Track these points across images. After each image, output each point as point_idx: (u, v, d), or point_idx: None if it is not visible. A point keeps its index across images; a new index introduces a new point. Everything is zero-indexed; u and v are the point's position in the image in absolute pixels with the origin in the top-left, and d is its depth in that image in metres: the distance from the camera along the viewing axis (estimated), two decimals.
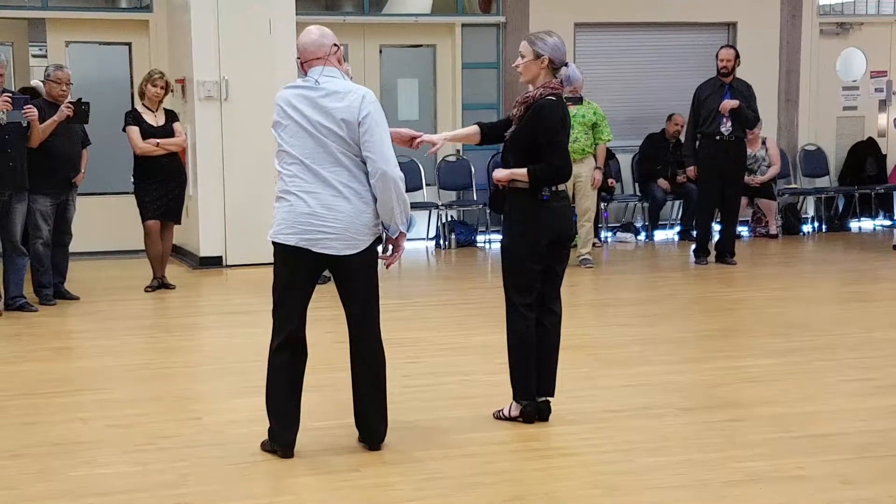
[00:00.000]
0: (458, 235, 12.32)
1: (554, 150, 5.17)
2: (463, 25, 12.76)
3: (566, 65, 5.24)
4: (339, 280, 4.86)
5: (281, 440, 4.83)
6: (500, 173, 5.30)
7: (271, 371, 4.83)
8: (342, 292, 4.88)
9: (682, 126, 12.63)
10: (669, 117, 12.75)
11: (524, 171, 5.17)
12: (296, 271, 4.79)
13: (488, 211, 12.47)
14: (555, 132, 5.19)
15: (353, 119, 4.69)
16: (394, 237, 4.87)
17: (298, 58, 4.90)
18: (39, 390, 6.14)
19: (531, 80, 5.28)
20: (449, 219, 12.51)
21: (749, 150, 12.12)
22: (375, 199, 4.74)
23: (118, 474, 4.66)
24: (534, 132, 5.18)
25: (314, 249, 4.71)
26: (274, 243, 4.78)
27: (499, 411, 5.37)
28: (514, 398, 5.32)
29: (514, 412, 5.32)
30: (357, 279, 4.83)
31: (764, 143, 12.68)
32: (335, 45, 4.88)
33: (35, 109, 8.28)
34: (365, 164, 4.72)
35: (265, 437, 4.94)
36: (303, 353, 4.87)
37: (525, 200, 5.23)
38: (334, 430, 5.14)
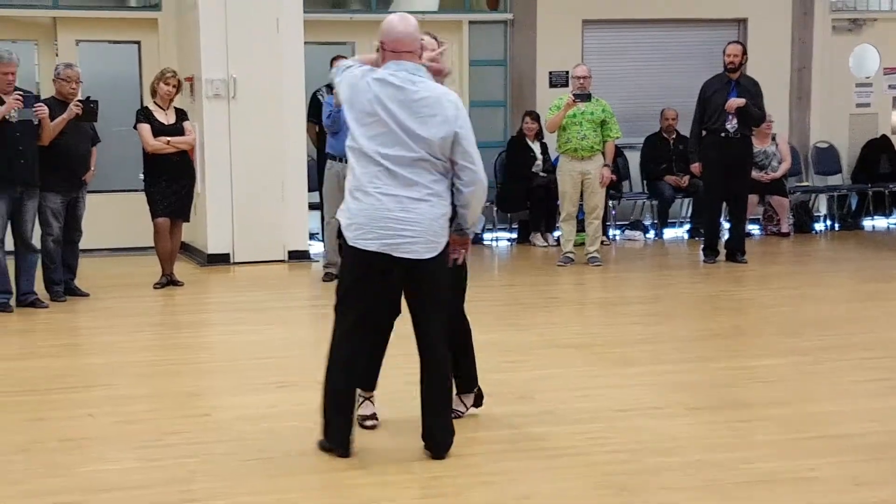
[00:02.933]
0: None
1: None
2: (470, 23, 12.74)
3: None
4: (415, 284, 4.76)
5: (337, 439, 4.79)
6: None
7: (328, 374, 4.80)
8: (416, 297, 4.79)
9: (673, 120, 12.62)
10: (661, 113, 12.74)
11: None
12: (368, 274, 4.71)
13: (495, 209, 12.47)
14: None
15: (450, 130, 4.62)
16: (469, 237, 4.90)
17: (383, 44, 4.73)
18: (49, 386, 6.15)
19: None
20: None
21: (759, 146, 12.13)
22: (451, 202, 4.72)
23: (126, 470, 4.66)
24: None
25: (395, 254, 4.62)
26: (351, 247, 4.67)
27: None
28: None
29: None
30: (435, 282, 4.76)
31: (774, 139, 12.65)
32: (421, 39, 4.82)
33: (45, 108, 8.30)
34: (446, 167, 4.67)
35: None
36: (364, 349, 4.86)
37: None
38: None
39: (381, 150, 4.61)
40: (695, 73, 11.93)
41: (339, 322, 4.79)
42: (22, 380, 6.31)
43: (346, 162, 4.85)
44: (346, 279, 4.81)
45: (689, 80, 11.80)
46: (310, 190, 10.95)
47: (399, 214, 4.59)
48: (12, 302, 8.38)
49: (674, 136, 12.73)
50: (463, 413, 5.29)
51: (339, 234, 4.91)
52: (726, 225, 11.22)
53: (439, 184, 4.69)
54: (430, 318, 4.78)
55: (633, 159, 12.97)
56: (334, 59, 10.96)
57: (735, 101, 10.32)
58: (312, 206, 11.06)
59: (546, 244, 12.01)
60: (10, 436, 5.16)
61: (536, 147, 12.26)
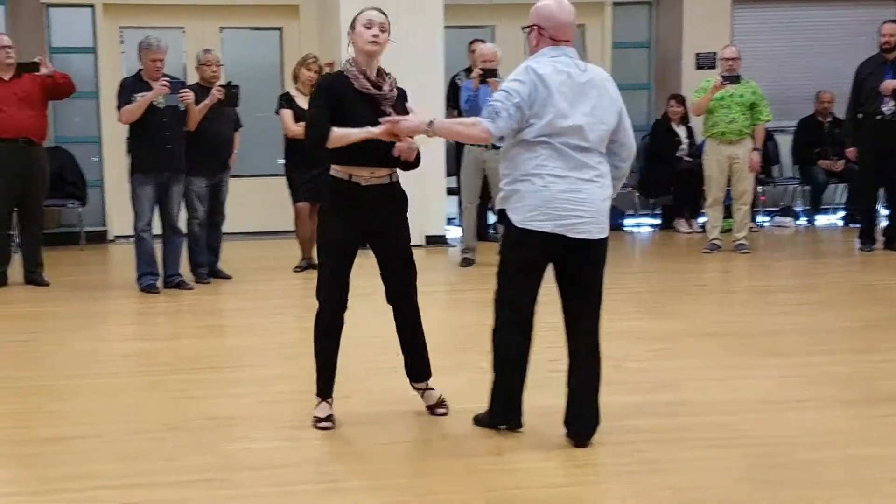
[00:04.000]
0: None
1: None
2: (614, 4, 12.53)
3: None
4: (578, 267, 4.71)
5: (506, 417, 4.85)
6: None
7: (501, 354, 4.79)
8: (579, 279, 4.73)
9: (829, 102, 12.21)
10: (816, 96, 12.32)
11: None
12: (539, 257, 4.69)
13: (637, 194, 12.27)
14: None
15: (616, 111, 4.73)
16: None
17: (540, 29, 4.77)
18: (195, 366, 6.27)
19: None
20: None
21: None
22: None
23: (269, 449, 4.71)
24: None
25: (569, 234, 4.60)
26: (522, 230, 4.63)
27: None
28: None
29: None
30: (600, 263, 4.75)
31: None
32: None
33: (191, 93, 8.45)
34: (606, 148, 4.73)
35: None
36: (530, 334, 4.82)
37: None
38: (475, 413, 5.07)
39: (554, 134, 4.59)
40: (852, 53, 11.47)
41: (513, 306, 4.75)
42: (169, 359, 6.45)
43: (487, 148, 4.83)
44: (512, 264, 4.75)
45: (846, 62, 11.38)
46: (448, 175, 10.94)
47: (571, 196, 4.58)
48: (159, 283, 8.60)
49: (829, 120, 12.32)
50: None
51: (499, 221, 4.85)
52: (885, 212, 10.78)
53: (603, 164, 4.71)
54: (590, 302, 4.75)
55: (784, 143, 12.61)
56: (472, 42, 10.94)
57: (890, 83, 9.94)
58: (450, 192, 11.07)
59: (690, 230, 11.77)
60: (160, 413, 5.27)
61: (681, 131, 12.01)
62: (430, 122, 4.73)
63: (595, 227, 4.63)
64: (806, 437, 4.82)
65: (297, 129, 9.18)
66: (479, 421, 4.98)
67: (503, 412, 4.88)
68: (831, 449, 4.67)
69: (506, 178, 4.75)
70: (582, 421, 4.73)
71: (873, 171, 10.24)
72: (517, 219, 4.64)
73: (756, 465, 4.47)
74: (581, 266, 4.71)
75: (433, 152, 10.68)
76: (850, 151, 10.64)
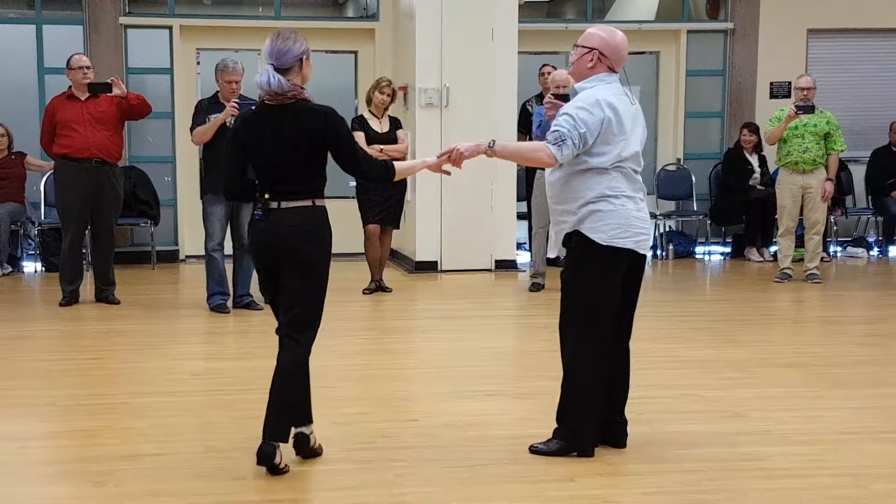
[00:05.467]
0: (676, 246, 12.05)
1: None
2: (689, 32, 12.48)
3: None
4: (634, 281, 4.96)
5: (587, 442, 4.87)
6: None
7: (591, 377, 4.82)
8: (630, 293, 4.96)
9: None
10: (890, 126, 12.15)
11: None
12: (618, 275, 4.85)
13: (708, 222, 12.17)
14: None
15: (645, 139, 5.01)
16: None
17: (602, 55, 4.84)
18: (265, 386, 6.24)
19: None
20: (667, 229, 12.26)
21: None
22: None
23: (341, 471, 4.72)
24: None
25: (640, 251, 4.87)
26: (606, 247, 4.77)
27: None
28: None
29: None
30: (642, 277, 5.05)
31: None
32: None
33: None
34: None
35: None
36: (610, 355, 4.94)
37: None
38: (548, 438, 5.04)
39: (623, 155, 4.80)
40: None
41: (600, 328, 4.82)
42: (240, 379, 6.50)
43: None
44: (595, 283, 4.81)
45: None
46: (518, 200, 10.94)
47: (640, 214, 4.85)
48: (229, 303, 8.67)
49: None
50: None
51: (569, 244, 4.90)
52: None
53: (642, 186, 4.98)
54: (632, 313, 5.03)
55: (858, 173, 12.44)
56: (542, 67, 10.95)
57: None
58: (520, 216, 11.06)
59: (762, 259, 11.64)
60: (230, 433, 5.30)
61: (754, 160, 11.91)
62: (491, 144, 4.87)
63: (650, 244, 4.95)
64: (882, 469, 4.73)
65: (370, 152, 9.23)
66: (543, 450, 4.92)
67: (585, 438, 4.87)
68: None
69: (575, 201, 4.81)
70: (621, 424, 4.97)
71: None
72: (602, 237, 4.75)
73: (830, 497, 4.40)
74: (636, 280, 4.96)
75: (504, 178, 10.71)
76: None
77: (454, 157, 4.93)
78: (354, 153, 4.76)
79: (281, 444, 4.60)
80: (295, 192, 4.65)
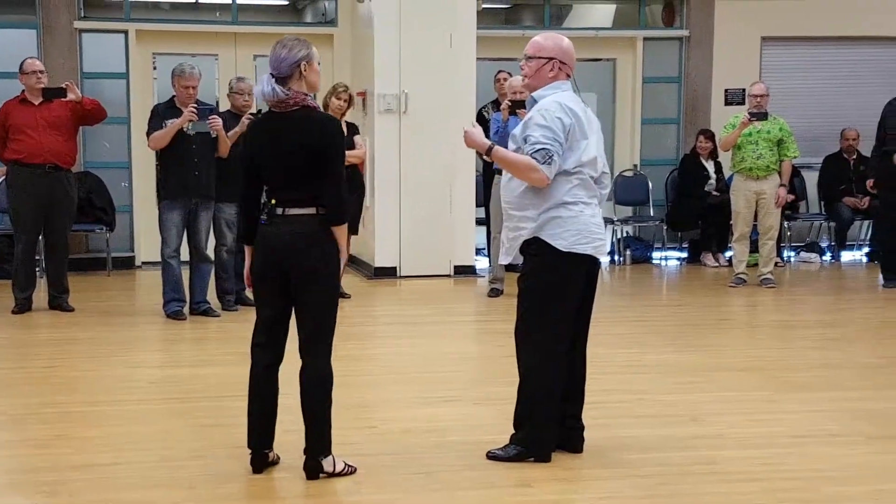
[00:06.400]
0: (633, 251, 12.12)
1: None
2: (645, 39, 12.56)
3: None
4: (592, 286, 5.01)
5: (544, 448, 4.89)
6: None
7: (548, 382, 4.85)
8: (588, 299, 5.00)
9: (854, 140, 12.22)
10: (842, 133, 12.32)
11: None
12: (579, 281, 4.88)
13: (665, 227, 12.26)
14: None
15: (602, 143, 5.04)
16: None
17: (563, 63, 4.91)
18: (222, 393, 6.27)
19: None
20: (625, 234, 12.33)
21: None
22: None
23: (297, 479, 4.70)
24: None
25: (599, 256, 4.93)
26: (567, 253, 4.80)
27: None
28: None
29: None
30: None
31: None
32: None
33: (219, 120, 8.44)
34: None
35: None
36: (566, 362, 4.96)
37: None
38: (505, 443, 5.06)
39: (583, 162, 4.85)
40: (878, 92, 11.51)
41: (558, 333, 4.86)
42: (196, 387, 6.46)
43: None
44: (554, 290, 4.85)
45: (872, 100, 11.41)
46: (477, 205, 10.97)
47: (594, 220, 4.89)
48: (186, 310, 8.62)
49: (854, 157, 12.29)
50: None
51: (528, 251, 4.91)
52: None
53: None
54: (588, 320, 5.05)
55: (811, 179, 12.57)
56: (498, 73, 10.99)
57: None
58: (479, 222, 11.08)
59: (717, 264, 11.74)
60: (186, 442, 5.28)
61: (710, 166, 12.00)
62: (490, 147, 4.91)
63: (607, 249, 4.96)
64: (834, 472, 4.79)
65: None
66: (500, 456, 4.93)
67: (543, 443, 4.89)
68: (860, 484, 4.65)
69: (536, 207, 4.82)
70: (578, 429, 5.01)
71: (894, 207, 10.23)
72: (563, 244, 4.78)
73: (784, 500, 4.45)
74: (593, 285, 5.02)
75: (462, 183, 10.72)
76: (869, 182, 10.74)
77: (464, 135, 5.00)
78: (334, 175, 4.59)
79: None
80: (298, 200, 4.59)
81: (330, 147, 4.56)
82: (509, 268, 9.62)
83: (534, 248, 4.86)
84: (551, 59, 4.89)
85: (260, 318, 4.78)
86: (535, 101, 4.94)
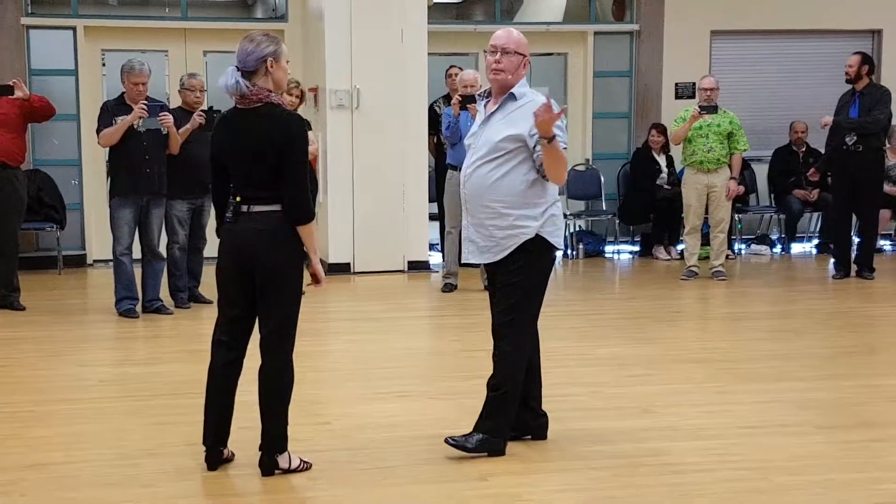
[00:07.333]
0: (585, 245, 12.19)
1: None
2: (595, 33, 12.63)
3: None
4: None
5: (504, 439, 4.95)
6: None
7: (521, 375, 4.93)
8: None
9: (802, 132, 12.34)
10: (791, 126, 12.46)
11: None
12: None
13: (617, 221, 12.34)
14: None
15: None
16: None
17: (527, 59, 4.95)
18: (175, 391, 6.25)
19: None
20: (577, 228, 12.39)
21: (892, 160, 11.78)
22: None
23: (251, 475, 4.70)
24: None
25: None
26: (556, 249, 4.97)
27: None
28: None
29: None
30: None
31: None
32: None
33: (170, 116, 8.40)
34: None
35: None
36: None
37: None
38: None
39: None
40: (826, 85, 11.65)
41: (531, 327, 4.99)
42: (149, 385, 6.43)
43: None
44: (545, 282, 5.01)
45: (820, 93, 11.56)
46: (430, 201, 10.98)
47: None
48: (138, 308, 8.57)
49: (803, 150, 12.43)
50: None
51: (528, 249, 4.91)
52: (857, 240, 10.87)
53: None
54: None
55: (761, 172, 12.69)
56: (449, 68, 11.01)
57: (826, 119, 10.16)
58: (432, 217, 11.10)
59: (669, 257, 11.83)
60: (140, 439, 5.26)
61: (662, 160, 12.09)
62: (553, 136, 4.70)
63: None
64: (785, 462, 4.86)
65: None
66: (461, 444, 4.92)
67: (506, 435, 4.95)
68: (810, 474, 4.71)
69: (537, 206, 4.86)
70: (543, 417, 5.16)
71: (845, 201, 10.37)
72: (558, 241, 4.95)
73: (735, 490, 4.50)
74: None
75: (415, 179, 10.73)
76: (811, 171, 10.98)
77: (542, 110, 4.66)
78: (296, 176, 4.52)
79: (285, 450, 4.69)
80: (263, 198, 4.55)
81: (294, 145, 4.53)
82: (465, 263, 9.67)
83: (535, 245, 4.88)
84: (525, 55, 4.93)
85: (222, 316, 4.74)
86: (514, 96, 4.89)
